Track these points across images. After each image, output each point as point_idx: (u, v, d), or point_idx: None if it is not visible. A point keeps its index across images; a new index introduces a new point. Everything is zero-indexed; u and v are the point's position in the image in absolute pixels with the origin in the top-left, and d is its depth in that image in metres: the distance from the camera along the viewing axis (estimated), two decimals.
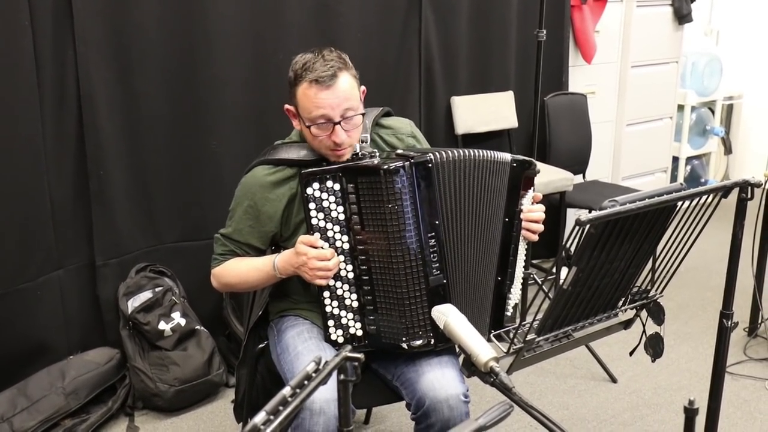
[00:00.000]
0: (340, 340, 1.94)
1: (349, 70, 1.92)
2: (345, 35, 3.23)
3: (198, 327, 2.98)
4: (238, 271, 2.03)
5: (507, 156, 1.97)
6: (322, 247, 1.88)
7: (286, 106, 1.99)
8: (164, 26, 2.85)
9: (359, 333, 1.93)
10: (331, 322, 1.94)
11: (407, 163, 1.83)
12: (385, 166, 1.82)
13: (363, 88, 1.99)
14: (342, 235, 1.89)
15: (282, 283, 2.06)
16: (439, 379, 1.87)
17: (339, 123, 1.88)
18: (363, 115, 1.94)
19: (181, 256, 3.09)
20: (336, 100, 1.86)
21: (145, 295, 2.91)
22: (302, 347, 1.95)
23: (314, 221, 1.89)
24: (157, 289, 2.93)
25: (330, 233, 1.89)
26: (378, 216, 1.84)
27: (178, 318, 2.91)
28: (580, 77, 4.24)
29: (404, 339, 1.88)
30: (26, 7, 2.54)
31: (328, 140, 1.90)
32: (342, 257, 1.90)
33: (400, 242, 1.84)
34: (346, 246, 1.89)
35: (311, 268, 1.86)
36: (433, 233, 1.86)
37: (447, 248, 1.89)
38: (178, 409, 2.88)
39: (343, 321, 1.93)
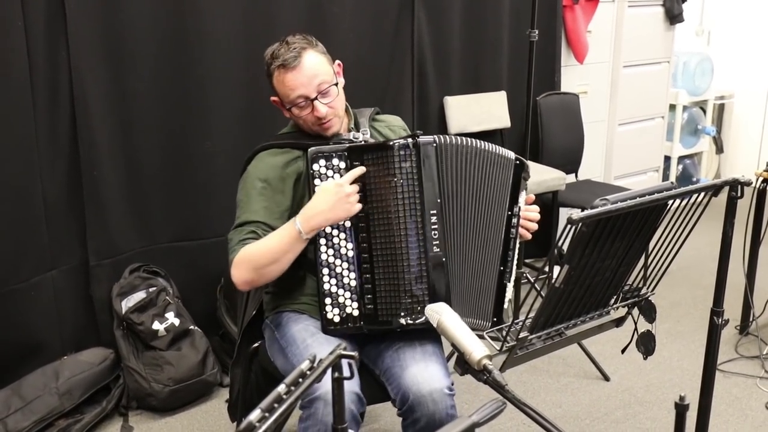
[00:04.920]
0: (336, 319, 1.94)
1: (315, 47, 2.00)
2: (337, 35, 3.24)
3: (192, 327, 2.98)
4: (258, 247, 1.91)
5: (510, 153, 2.02)
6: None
7: (272, 98, 2.05)
8: (157, 26, 2.85)
9: (355, 313, 1.93)
10: (328, 300, 1.94)
11: (413, 141, 1.89)
12: (392, 143, 1.89)
13: (338, 61, 2.08)
14: None
15: (277, 278, 2.05)
16: (422, 373, 1.88)
17: (316, 98, 1.96)
18: (336, 85, 2.00)
19: (174, 256, 3.09)
20: (305, 78, 1.95)
21: (139, 296, 2.91)
22: (311, 340, 1.95)
23: None
24: (150, 289, 2.93)
25: None
26: (382, 190, 1.89)
27: (172, 318, 2.91)
28: (572, 77, 4.25)
29: (402, 315, 1.90)
30: (19, 8, 2.54)
31: (312, 117, 1.98)
32: (343, 235, 1.92)
33: (402, 216, 1.88)
34: (348, 224, 1.92)
35: (347, 194, 1.87)
36: (435, 210, 1.90)
37: (447, 227, 1.92)
38: (172, 408, 2.88)
39: (341, 300, 1.94)
